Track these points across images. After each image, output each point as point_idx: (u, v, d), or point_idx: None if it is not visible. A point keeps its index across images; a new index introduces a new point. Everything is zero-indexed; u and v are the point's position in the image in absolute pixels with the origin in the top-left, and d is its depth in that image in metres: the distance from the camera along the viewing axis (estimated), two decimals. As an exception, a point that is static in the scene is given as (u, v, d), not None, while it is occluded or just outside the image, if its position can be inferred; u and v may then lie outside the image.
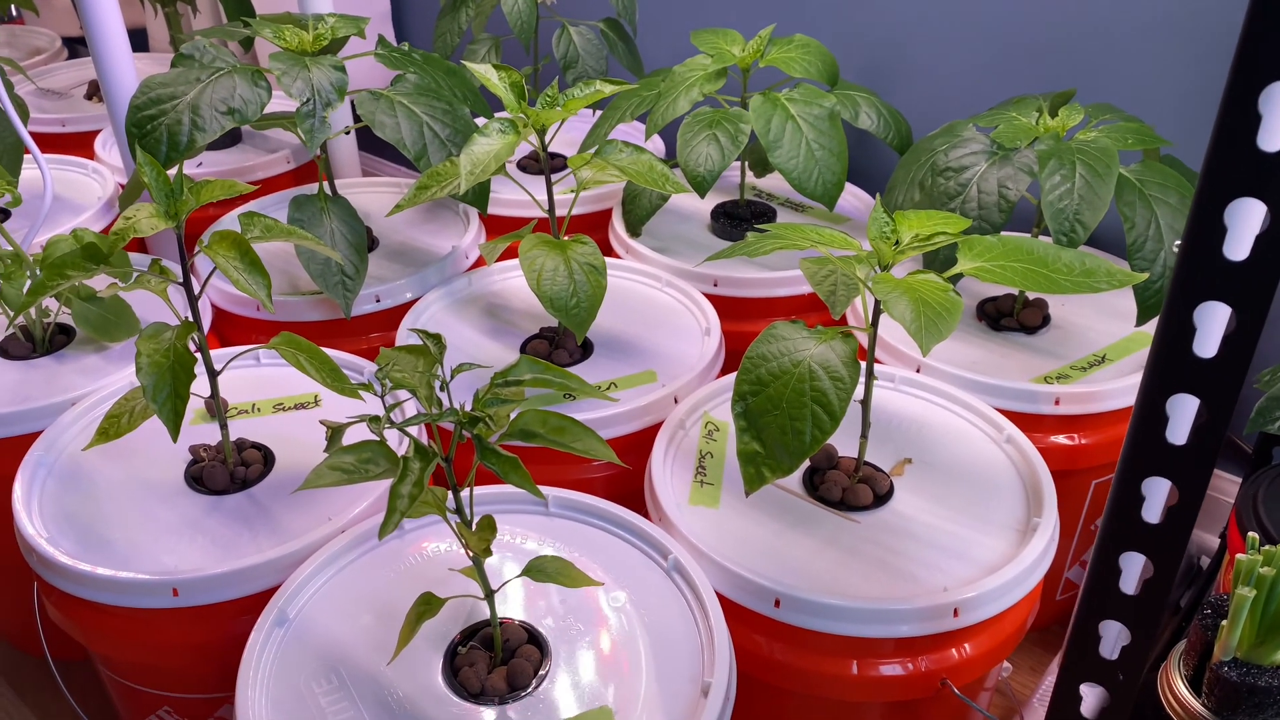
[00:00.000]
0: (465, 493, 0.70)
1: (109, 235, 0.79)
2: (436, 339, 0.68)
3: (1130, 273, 0.80)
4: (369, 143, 2.02)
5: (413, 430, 0.85)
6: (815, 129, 1.12)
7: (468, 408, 0.66)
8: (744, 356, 0.80)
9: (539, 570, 0.72)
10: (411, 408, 0.99)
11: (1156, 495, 0.57)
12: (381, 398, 0.66)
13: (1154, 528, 0.56)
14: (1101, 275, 0.80)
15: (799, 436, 0.77)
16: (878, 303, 0.82)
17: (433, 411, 0.64)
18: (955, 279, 0.82)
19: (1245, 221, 0.48)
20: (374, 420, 0.63)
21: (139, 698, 0.92)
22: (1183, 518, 0.56)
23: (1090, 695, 0.64)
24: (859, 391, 0.85)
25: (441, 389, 0.67)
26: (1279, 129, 0.45)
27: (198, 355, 0.82)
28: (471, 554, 0.71)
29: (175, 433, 0.78)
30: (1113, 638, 0.61)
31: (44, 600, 0.89)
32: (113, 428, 0.83)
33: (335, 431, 0.66)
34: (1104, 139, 0.98)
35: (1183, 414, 0.53)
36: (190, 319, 0.82)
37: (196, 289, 0.85)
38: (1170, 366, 0.53)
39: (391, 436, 0.90)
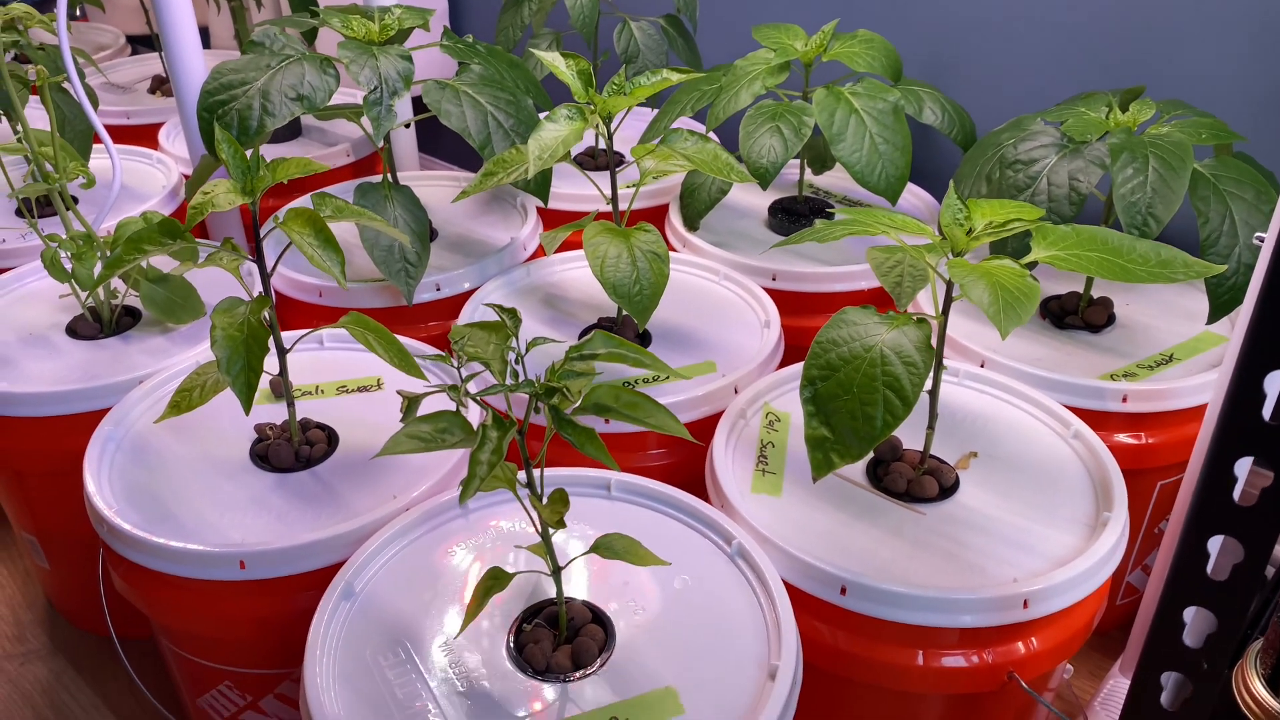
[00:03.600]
0: (535, 472, 0.70)
1: (188, 209, 0.81)
2: (512, 313, 0.68)
3: (1208, 264, 0.79)
4: (426, 143, 2.05)
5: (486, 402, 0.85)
6: (879, 123, 1.11)
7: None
8: (813, 341, 0.79)
9: (607, 548, 0.72)
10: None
11: (1248, 479, 0.55)
12: (458, 369, 0.66)
13: (1245, 511, 0.55)
14: (1179, 266, 0.79)
15: (869, 422, 0.76)
16: (949, 291, 0.81)
17: (508, 382, 0.64)
18: (1030, 267, 0.81)
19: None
20: (453, 389, 0.63)
21: (201, 672, 0.92)
22: (1276, 501, 0.54)
23: (1171, 685, 0.62)
24: (927, 382, 0.85)
25: (517, 362, 0.67)
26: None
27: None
28: (540, 530, 0.71)
29: (248, 405, 0.79)
30: (1198, 625, 0.59)
31: (110, 572, 0.90)
32: (184, 401, 0.84)
33: (411, 402, 0.66)
34: (1177, 133, 0.96)
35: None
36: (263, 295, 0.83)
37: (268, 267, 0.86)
38: (1268, 343, 0.52)
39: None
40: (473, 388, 0.98)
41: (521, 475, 0.69)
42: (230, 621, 0.85)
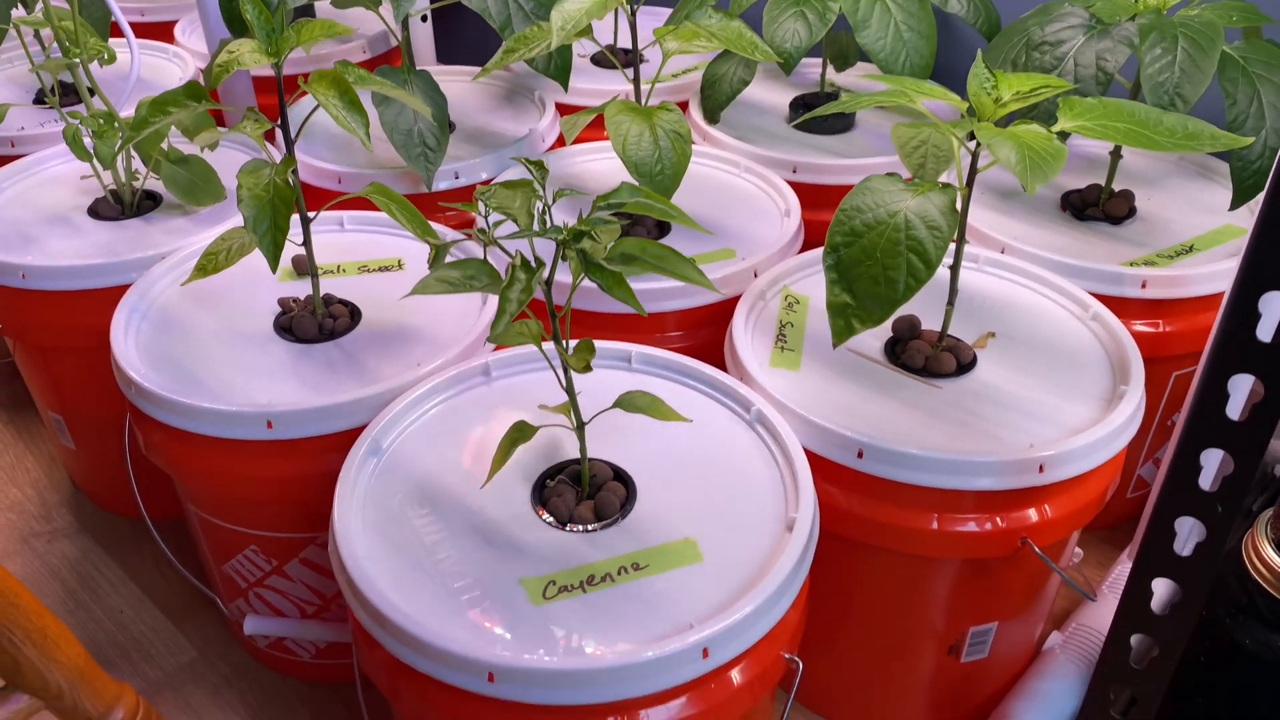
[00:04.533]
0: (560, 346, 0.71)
1: (214, 68, 0.81)
2: (539, 165, 0.68)
3: (1236, 136, 0.79)
4: (444, 53, 2.03)
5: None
6: (904, 10, 1.10)
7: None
8: (837, 209, 0.79)
9: (629, 403, 0.73)
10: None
11: (1241, 392, 0.57)
12: (485, 217, 0.66)
13: (1267, 347, 0.56)
14: (1205, 138, 0.78)
15: (892, 286, 0.76)
16: (974, 163, 0.81)
17: (535, 230, 0.65)
18: (1058, 136, 0.81)
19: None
20: (480, 233, 0.64)
21: (227, 537, 0.94)
22: (1268, 414, 0.55)
23: (1185, 530, 0.64)
24: (948, 259, 0.85)
25: (543, 213, 0.67)
26: None
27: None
28: (564, 385, 0.72)
29: (274, 263, 0.79)
30: (1213, 468, 0.60)
31: (138, 436, 0.92)
32: (211, 263, 0.85)
33: (439, 249, 0.67)
34: (1207, 14, 0.95)
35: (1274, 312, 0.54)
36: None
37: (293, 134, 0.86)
38: (1266, 260, 0.52)
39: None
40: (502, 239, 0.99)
41: (548, 342, 0.70)
42: (256, 482, 0.86)
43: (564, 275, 0.95)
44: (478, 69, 1.73)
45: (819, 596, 0.91)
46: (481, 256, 0.68)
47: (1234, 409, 0.58)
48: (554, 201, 0.68)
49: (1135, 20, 0.96)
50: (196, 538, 1.01)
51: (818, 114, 0.88)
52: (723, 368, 0.90)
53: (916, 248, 0.76)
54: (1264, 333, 0.55)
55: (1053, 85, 0.78)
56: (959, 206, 0.80)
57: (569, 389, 0.72)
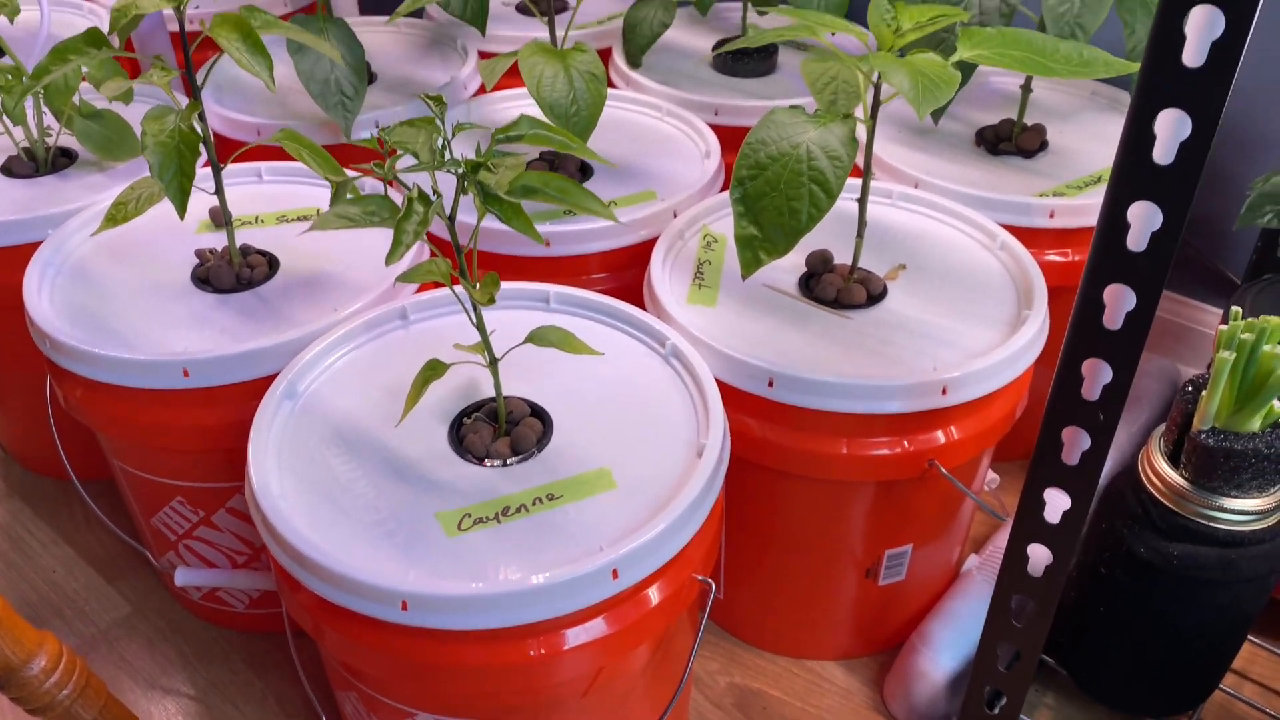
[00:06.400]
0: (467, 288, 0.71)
1: (112, 13, 0.79)
2: (438, 100, 0.69)
3: (1128, 63, 0.81)
4: (370, 5, 2.00)
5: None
6: (818, -51, 1.10)
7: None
8: (743, 143, 0.80)
9: (541, 337, 0.74)
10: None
11: (1118, 303, 0.59)
12: (385, 154, 0.67)
13: (1137, 256, 0.58)
14: (1099, 64, 0.80)
15: (795, 216, 0.78)
16: (877, 93, 0.82)
17: (434, 161, 0.65)
18: (958, 66, 0.82)
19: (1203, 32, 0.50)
20: (378, 166, 0.64)
21: (152, 489, 0.94)
22: (1166, 243, 0.57)
23: (1072, 442, 0.66)
24: (857, 196, 0.86)
25: (444, 148, 0.68)
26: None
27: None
28: (475, 322, 0.73)
29: (182, 209, 0.79)
30: (1094, 379, 0.63)
31: (57, 392, 0.92)
32: (120, 213, 0.85)
33: (340, 186, 0.67)
34: (1108, -54, 0.97)
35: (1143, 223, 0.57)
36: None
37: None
38: (1132, 176, 0.55)
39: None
40: (402, 172, 0.99)
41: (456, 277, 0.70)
42: (177, 432, 0.86)
43: (472, 216, 0.96)
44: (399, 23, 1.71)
45: (737, 525, 0.93)
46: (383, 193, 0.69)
47: (1111, 319, 0.60)
48: (454, 136, 0.68)
49: (1038, -47, 0.98)
50: (124, 493, 1.01)
51: (728, 49, 0.88)
52: (644, 307, 0.91)
53: (818, 177, 0.77)
54: (1134, 243, 0.58)
55: (949, 15, 0.80)
56: (861, 137, 0.81)
57: (479, 325, 0.73)
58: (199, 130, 0.82)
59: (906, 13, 0.81)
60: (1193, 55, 0.51)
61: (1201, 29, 0.50)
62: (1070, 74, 0.79)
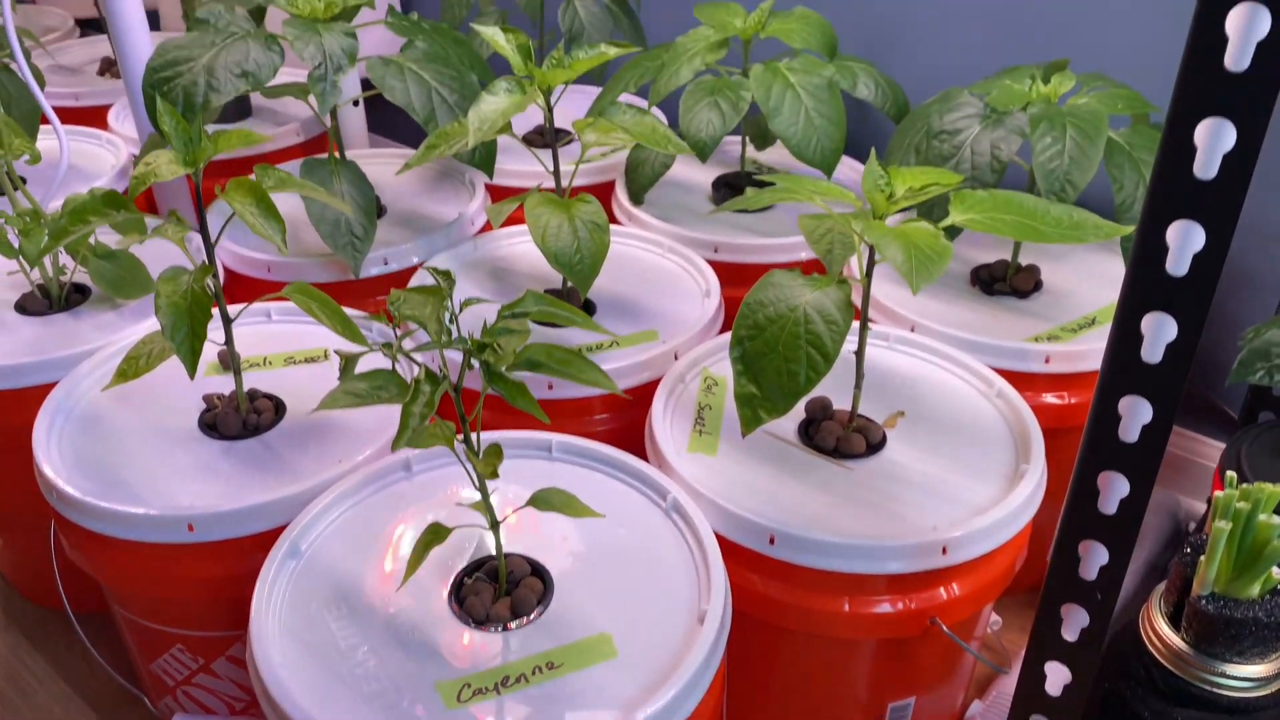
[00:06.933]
0: (473, 437, 0.72)
1: (131, 180, 0.82)
2: (446, 275, 0.71)
3: (1117, 225, 0.83)
4: (380, 125, 2.06)
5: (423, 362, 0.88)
6: (814, 98, 1.14)
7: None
8: (742, 303, 0.82)
9: (543, 500, 0.74)
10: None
11: (1134, 415, 0.60)
12: (394, 328, 0.68)
13: (1131, 446, 0.59)
14: (1089, 228, 0.83)
15: (793, 378, 0.79)
16: (872, 253, 0.85)
17: (442, 339, 0.67)
18: (949, 231, 0.84)
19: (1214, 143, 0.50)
20: (386, 346, 0.66)
21: (153, 636, 0.94)
22: (1157, 437, 0.58)
23: (1071, 618, 0.66)
24: (854, 344, 0.88)
25: (451, 321, 0.69)
26: (1245, 48, 0.47)
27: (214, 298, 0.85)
28: (477, 484, 0.73)
29: (192, 370, 0.81)
30: (1092, 559, 0.63)
31: (62, 540, 0.92)
32: (131, 368, 0.86)
33: (349, 360, 0.69)
34: (1094, 104, 1.00)
35: (1157, 335, 0.57)
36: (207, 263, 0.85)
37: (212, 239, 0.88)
38: (1145, 286, 0.56)
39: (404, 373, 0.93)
40: (414, 343, 1.01)
41: (460, 443, 0.71)
42: (179, 584, 0.87)
43: (477, 383, 0.98)
44: (409, 150, 1.76)
45: (739, 678, 0.92)
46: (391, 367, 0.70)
47: (1106, 504, 0.61)
48: (461, 311, 0.70)
49: (1027, 110, 1.01)
50: (123, 637, 1.01)
51: (729, 207, 0.91)
52: (644, 453, 0.92)
53: (815, 341, 0.79)
54: (1126, 434, 0.59)
55: (943, 182, 0.82)
56: (857, 300, 0.83)
57: (482, 490, 0.74)
58: (211, 290, 0.84)
59: (900, 177, 0.84)
60: (1234, 59, 0.48)
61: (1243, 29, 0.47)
62: (1061, 238, 0.81)
